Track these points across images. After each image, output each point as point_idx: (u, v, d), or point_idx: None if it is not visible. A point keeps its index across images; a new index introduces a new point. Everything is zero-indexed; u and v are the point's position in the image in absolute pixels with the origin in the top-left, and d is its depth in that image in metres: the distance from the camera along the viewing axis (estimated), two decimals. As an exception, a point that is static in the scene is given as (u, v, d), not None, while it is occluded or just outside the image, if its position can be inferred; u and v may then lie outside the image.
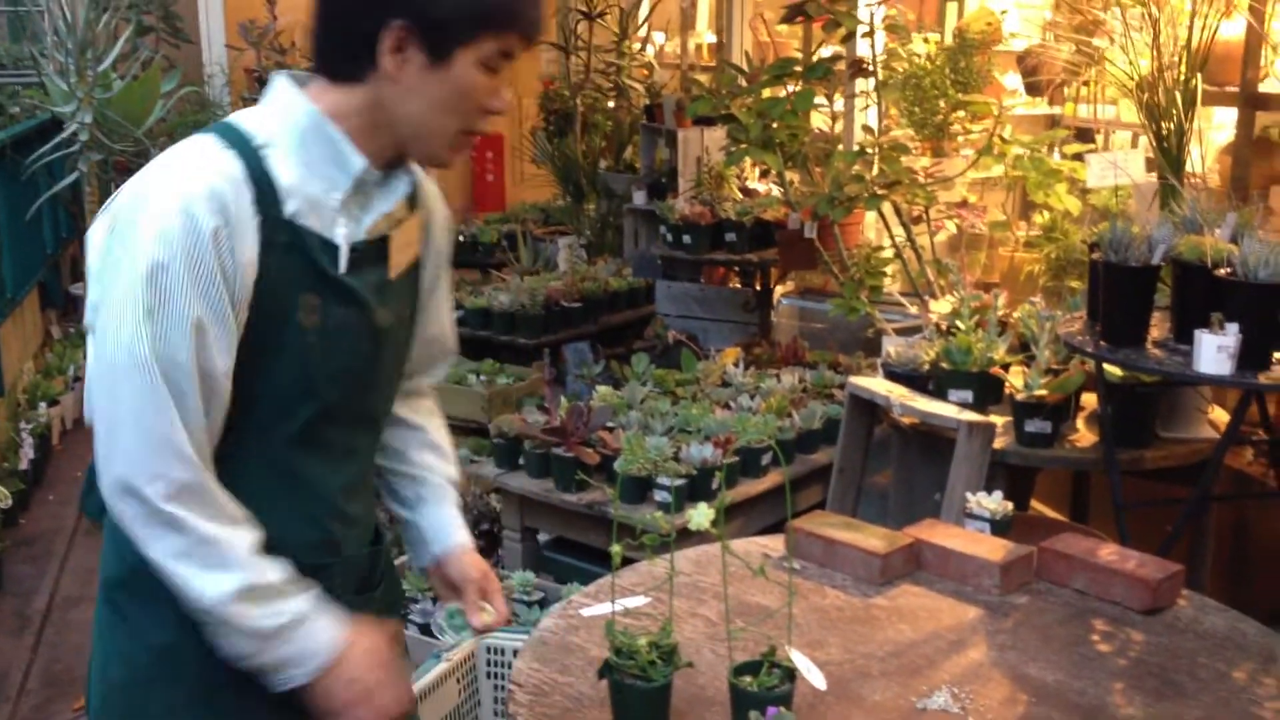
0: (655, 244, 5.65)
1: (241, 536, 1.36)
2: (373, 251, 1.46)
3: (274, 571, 1.38)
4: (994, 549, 1.97)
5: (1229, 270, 2.45)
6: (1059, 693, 1.62)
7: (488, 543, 3.74)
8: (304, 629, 1.39)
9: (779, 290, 5.54)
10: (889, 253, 4.26)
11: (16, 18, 7.72)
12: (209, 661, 1.42)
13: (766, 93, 4.03)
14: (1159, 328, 2.70)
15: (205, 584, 1.33)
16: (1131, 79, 3.60)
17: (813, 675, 1.55)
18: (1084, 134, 4.91)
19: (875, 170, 3.99)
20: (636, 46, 7.49)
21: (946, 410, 2.85)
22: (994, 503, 2.30)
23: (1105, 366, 2.76)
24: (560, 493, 3.38)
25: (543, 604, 3.18)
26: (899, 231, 4.16)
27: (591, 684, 1.60)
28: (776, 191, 5.17)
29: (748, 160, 4.73)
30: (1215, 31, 3.51)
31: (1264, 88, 3.64)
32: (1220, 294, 2.45)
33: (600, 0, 7.32)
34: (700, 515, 1.44)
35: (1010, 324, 3.31)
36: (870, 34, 4.01)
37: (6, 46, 7.45)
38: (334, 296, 1.42)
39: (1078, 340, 2.72)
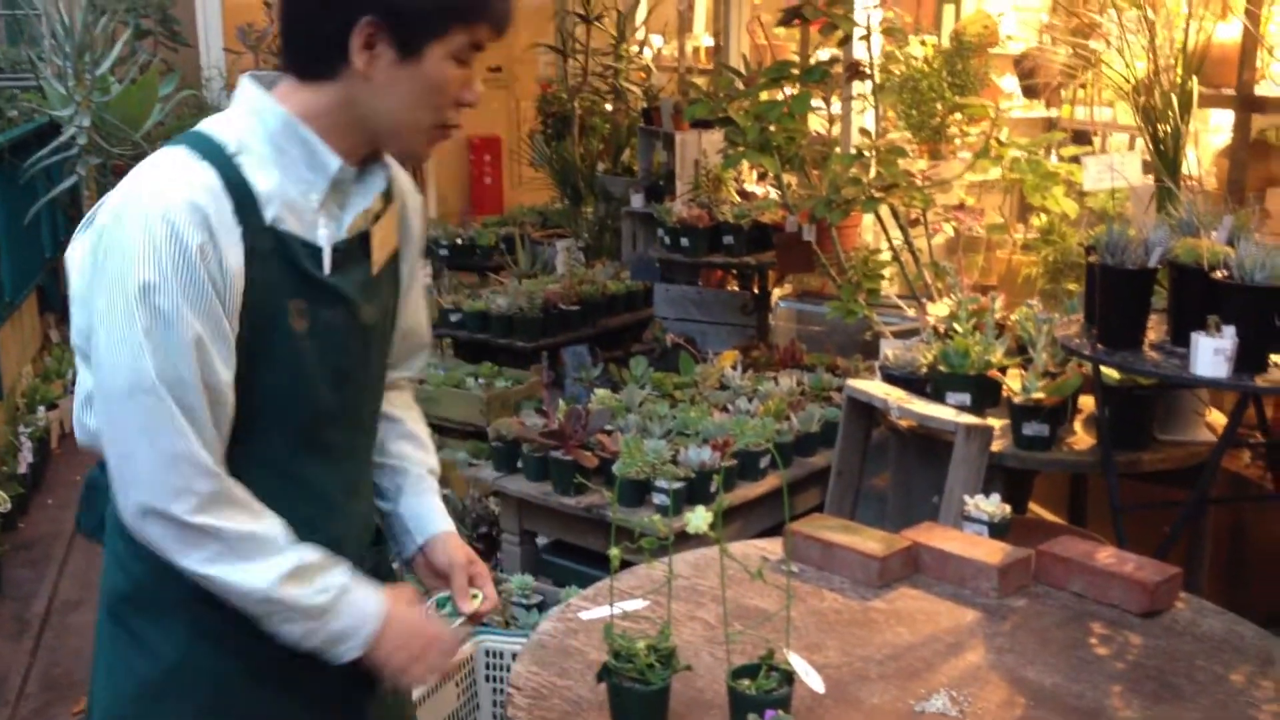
0: (653, 247, 5.65)
1: (272, 524, 1.39)
2: (355, 249, 1.46)
3: (310, 551, 1.40)
4: (992, 552, 1.97)
5: (1225, 273, 2.45)
6: (1057, 695, 1.62)
7: (486, 546, 3.74)
8: (350, 599, 1.42)
9: (777, 293, 5.54)
10: (886, 255, 4.26)
11: (14, 21, 7.72)
12: (219, 676, 1.43)
13: (764, 96, 4.03)
14: (1156, 330, 2.71)
15: (251, 575, 1.35)
16: (1128, 82, 3.61)
17: (811, 678, 1.55)
18: (1081, 136, 4.92)
19: (872, 173, 3.99)
20: (634, 49, 7.50)
21: (944, 413, 2.85)
22: (992, 505, 2.31)
23: (1102, 369, 2.77)
24: (559, 496, 3.38)
25: (541, 607, 3.18)
26: (896, 234, 4.16)
27: (590, 687, 1.60)
28: (774, 194, 5.17)
29: (745, 163, 4.73)
30: (1211, 34, 3.52)
31: (1260, 90, 3.64)
32: (1217, 297, 2.46)
33: (598, 3, 7.32)
34: (698, 518, 1.45)
35: (1008, 327, 3.31)
36: (867, 37, 4.01)
37: (4, 50, 7.45)
38: (321, 299, 1.42)
39: (1075, 343, 2.73)
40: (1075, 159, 4.33)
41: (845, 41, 4.14)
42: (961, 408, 2.97)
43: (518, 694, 1.63)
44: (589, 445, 3.41)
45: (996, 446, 2.86)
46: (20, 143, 5.56)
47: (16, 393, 5.32)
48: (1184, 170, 3.52)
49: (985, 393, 3.05)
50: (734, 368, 4.22)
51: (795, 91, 4.01)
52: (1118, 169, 3.17)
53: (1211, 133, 4.12)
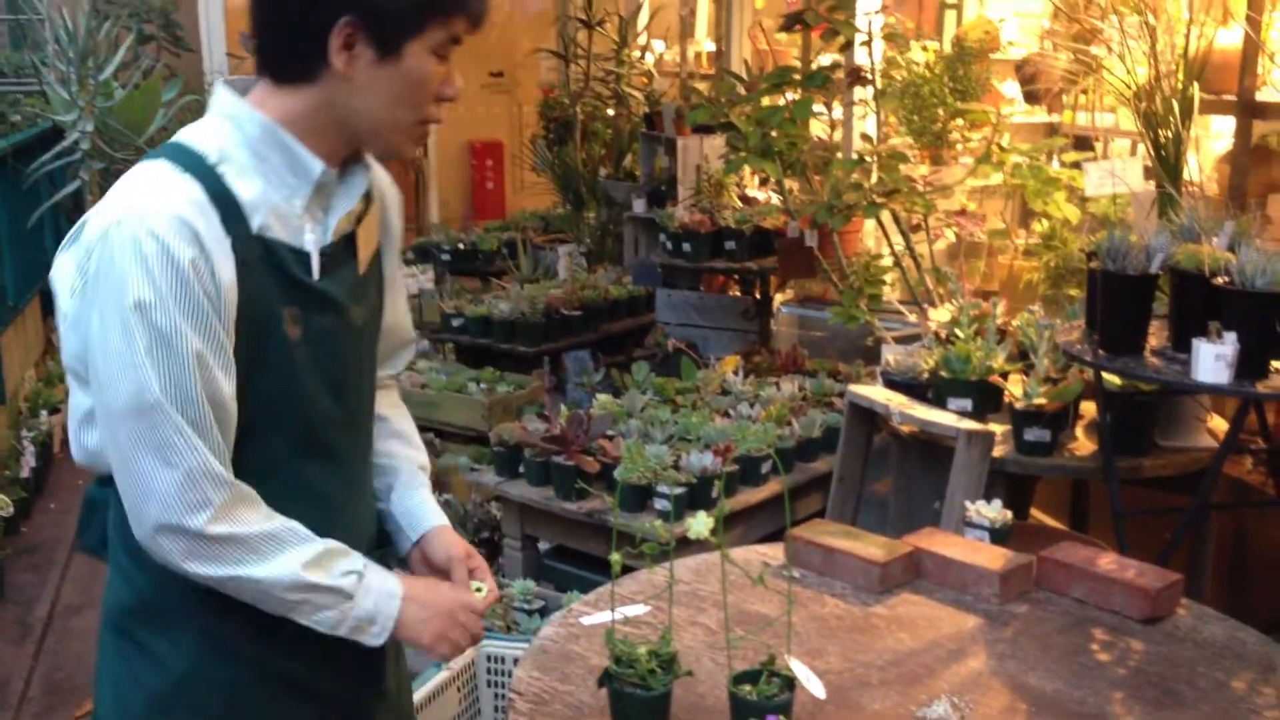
0: (655, 252, 5.66)
1: (285, 519, 1.39)
2: (341, 252, 1.46)
3: (324, 540, 1.41)
4: (993, 558, 1.97)
5: (1226, 279, 2.45)
6: (1058, 702, 1.62)
7: (488, 551, 3.74)
8: (370, 579, 1.43)
9: (779, 298, 5.55)
10: (888, 261, 4.26)
11: (18, 26, 7.74)
12: (229, 686, 1.43)
13: (766, 101, 4.04)
14: (1157, 336, 2.71)
15: (275, 569, 1.36)
16: (1129, 87, 3.61)
17: (812, 684, 1.55)
18: (1083, 142, 4.92)
19: (874, 178, 3.99)
20: (636, 54, 7.51)
21: (945, 419, 2.85)
22: (993, 511, 2.31)
23: (1104, 375, 2.77)
24: (560, 501, 3.38)
25: (543, 612, 3.18)
26: (898, 240, 4.17)
27: (592, 692, 1.61)
28: (776, 199, 5.18)
29: (747, 168, 4.74)
30: (1212, 40, 3.52)
31: (1261, 96, 3.65)
32: (1218, 303, 2.46)
33: (600, 8, 7.34)
34: (699, 524, 1.45)
35: (1009, 332, 3.31)
36: (868, 43, 4.02)
37: (8, 55, 7.46)
38: (312, 304, 1.42)
39: (1076, 349, 2.73)
40: (1076, 164, 4.33)
41: (847, 47, 4.15)
42: (963, 413, 2.97)
43: (519, 699, 1.63)
44: (591, 450, 3.41)
45: (998, 452, 2.86)
46: (23, 147, 5.57)
47: (19, 397, 5.32)
48: (1185, 176, 3.52)
49: (987, 398, 3.05)
50: (735, 373, 4.22)
51: (797, 97, 4.01)
52: (1119, 175, 3.18)
53: (1213, 138, 4.12)
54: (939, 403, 3.04)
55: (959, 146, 4.75)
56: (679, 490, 3.20)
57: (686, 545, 1.61)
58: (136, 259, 1.28)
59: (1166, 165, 3.50)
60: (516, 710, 1.60)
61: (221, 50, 7.50)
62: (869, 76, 4.08)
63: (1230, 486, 3.31)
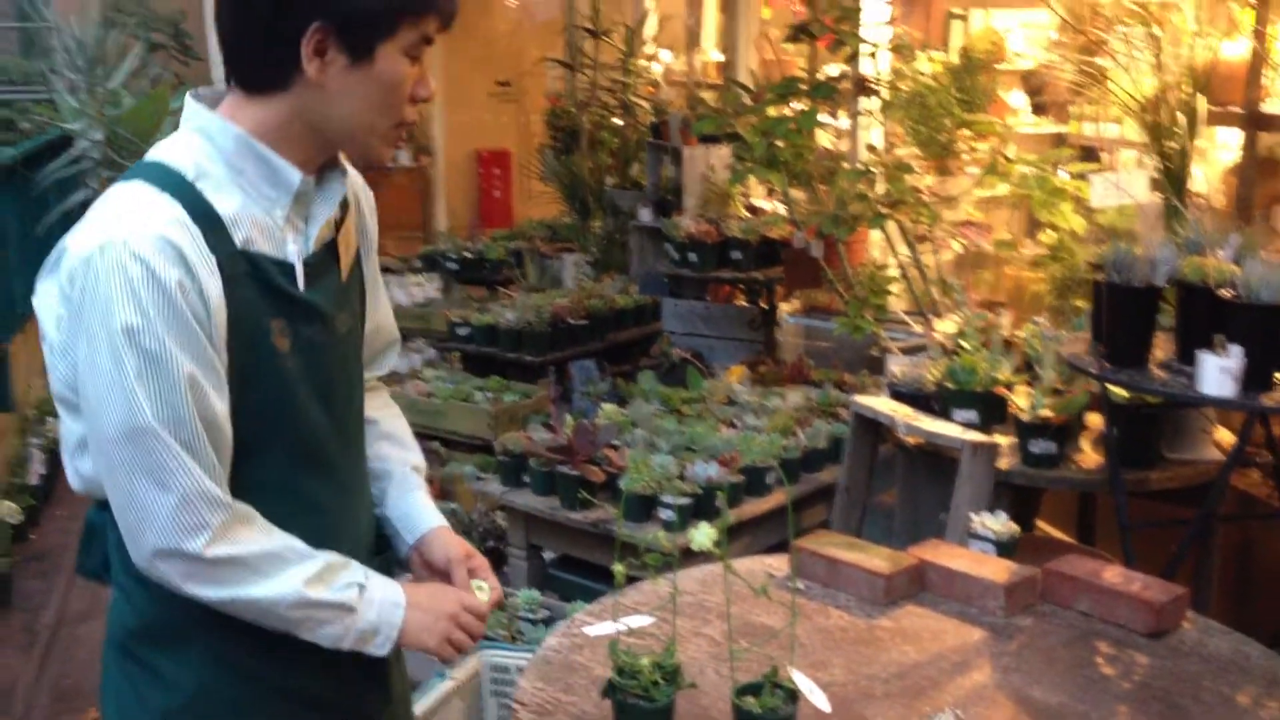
0: (661, 261, 5.67)
1: (283, 535, 1.39)
2: (324, 260, 1.46)
3: (323, 553, 1.41)
4: (998, 570, 1.97)
5: (1232, 292, 2.45)
6: (1062, 715, 1.62)
7: (493, 560, 3.74)
8: (373, 589, 1.43)
9: (784, 308, 5.55)
10: (894, 271, 4.27)
11: (27, 34, 7.78)
12: (237, 703, 1.43)
13: (771, 111, 4.05)
14: (1163, 348, 2.70)
15: (277, 588, 1.36)
16: (1134, 99, 3.61)
17: (815, 696, 1.55)
18: (1090, 153, 4.92)
19: (880, 189, 4.00)
20: (643, 64, 7.52)
21: (951, 430, 2.86)
22: (998, 523, 2.31)
23: (1110, 387, 2.76)
24: (565, 511, 3.38)
25: (548, 622, 3.18)
26: (904, 250, 4.17)
27: (595, 703, 1.60)
28: (782, 209, 5.18)
29: (753, 178, 4.74)
30: (1218, 52, 3.52)
31: (1267, 108, 3.64)
32: (1223, 315, 2.45)
33: (607, 18, 7.36)
34: (702, 536, 1.45)
35: (1015, 344, 3.31)
36: (874, 54, 4.03)
37: (18, 62, 7.50)
38: (299, 315, 1.41)
39: (1081, 361, 2.73)
40: (1083, 176, 4.33)
41: (853, 58, 4.16)
42: (968, 425, 2.97)
43: (522, 709, 1.63)
44: (596, 460, 3.42)
45: (1004, 464, 2.86)
46: (33, 155, 5.60)
47: (27, 404, 5.34)
48: (1191, 188, 3.52)
49: (992, 410, 3.05)
50: (741, 383, 4.23)
51: (804, 107, 4.02)
52: (1124, 187, 3.18)
53: (1220, 150, 4.12)
54: (944, 414, 3.04)
55: (965, 157, 4.76)
56: (684, 500, 3.20)
57: (691, 556, 1.61)
58: (122, 283, 1.27)
59: (1172, 177, 3.50)
60: (520, 721, 1.60)
61: (230, 59, 7.54)
62: (875, 87, 4.08)
63: (1236, 499, 3.31)
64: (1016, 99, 5.44)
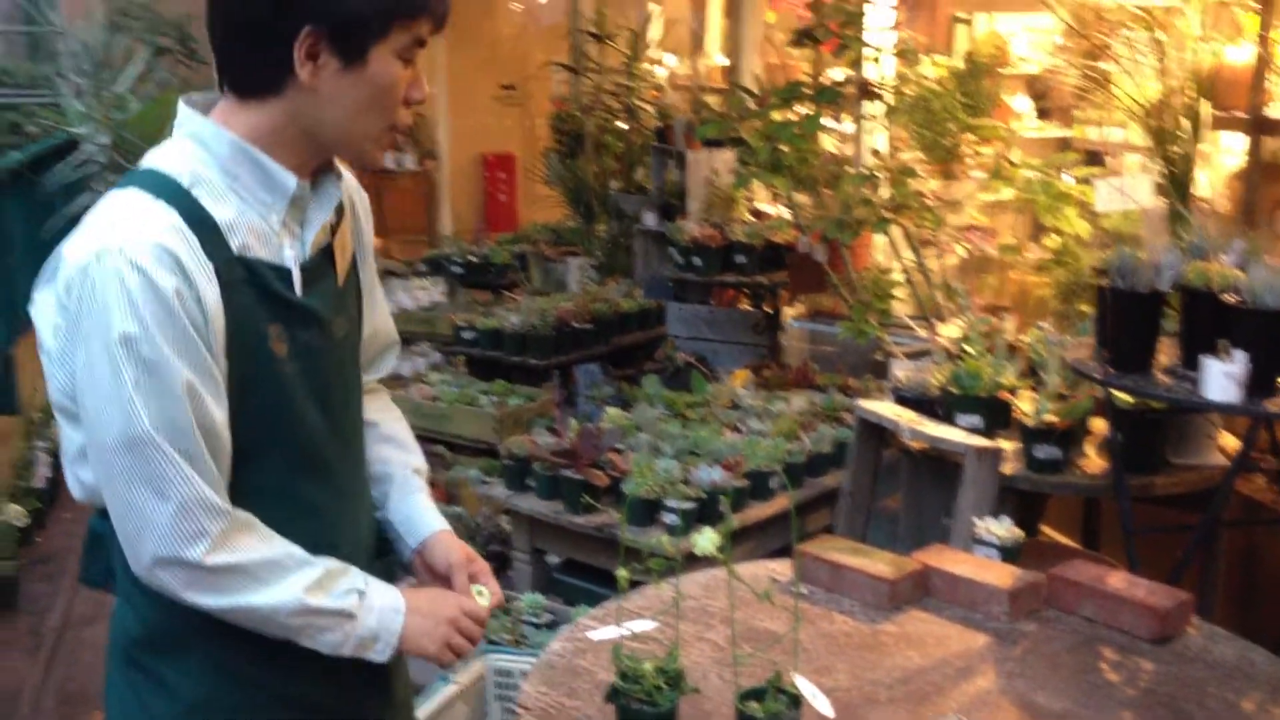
0: (665, 265, 5.67)
1: (283, 542, 1.39)
2: (320, 264, 1.46)
3: (323, 559, 1.41)
4: (1003, 575, 1.97)
5: (1236, 297, 2.45)
6: (1066, 721, 1.62)
7: (498, 564, 3.75)
8: (372, 595, 1.43)
9: (789, 312, 5.55)
10: (898, 276, 4.27)
11: (34, 38, 7.79)
12: (241, 710, 1.43)
13: (776, 116, 4.05)
14: (1167, 354, 2.70)
15: (276, 595, 1.36)
16: (1138, 104, 3.61)
17: (819, 701, 1.55)
18: (1095, 157, 4.92)
19: (884, 194, 4.00)
20: (647, 68, 7.52)
21: (955, 435, 2.86)
22: (1003, 529, 2.31)
23: (1114, 392, 2.76)
24: (569, 515, 3.38)
25: (552, 626, 3.18)
26: (908, 255, 4.17)
27: (599, 708, 1.60)
28: (786, 214, 5.19)
29: (758, 182, 4.75)
30: (1222, 56, 3.52)
31: (1271, 113, 3.64)
32: (1228, 321, 2.45)
33: (611, 22, 7.36)
34: (705, 541, 1.45)
35: (1019, 348, 3.31)
36: (878, 58, 4.03)
37: (24, 66, 7.52)
38: (296, 320, 1.41)
39: (1086, 366, 2.73)
40: (1087, 180, 4.33)
41: (857, 62, 4.16)
42: (973, 429, 2.97)
43: (526, 714, 1.63)
44: (600, 464, 3.42)
45: (1008, 469, 2.86)
46: (40, 159, 5.61)
47: (33, 407, 5.35)
48: (1196, 192, 3.52)
49: (996, 415, 3.05)
50: (746, 387, 4.23)
51: (808, 110, 4.02)
52: (1128, 191, 3.18)
53: (1224, 154, 4.12)
54: (949, 419, 3.04)
55: (970, 161, 4.75)
56: (688, 505, 3.20)
57: (695, 560, 1.61)
58: (120, 292, 1.26)
59: (1176, 182, 3.50)
60: (524, 725, 1.60)
61: (236, 63, 7.55)
62: (879, 92, 4.08)
63: (1242, 504, 3.30)
64: (1021, 103, 5.44)
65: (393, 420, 1.71)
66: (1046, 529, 3.76)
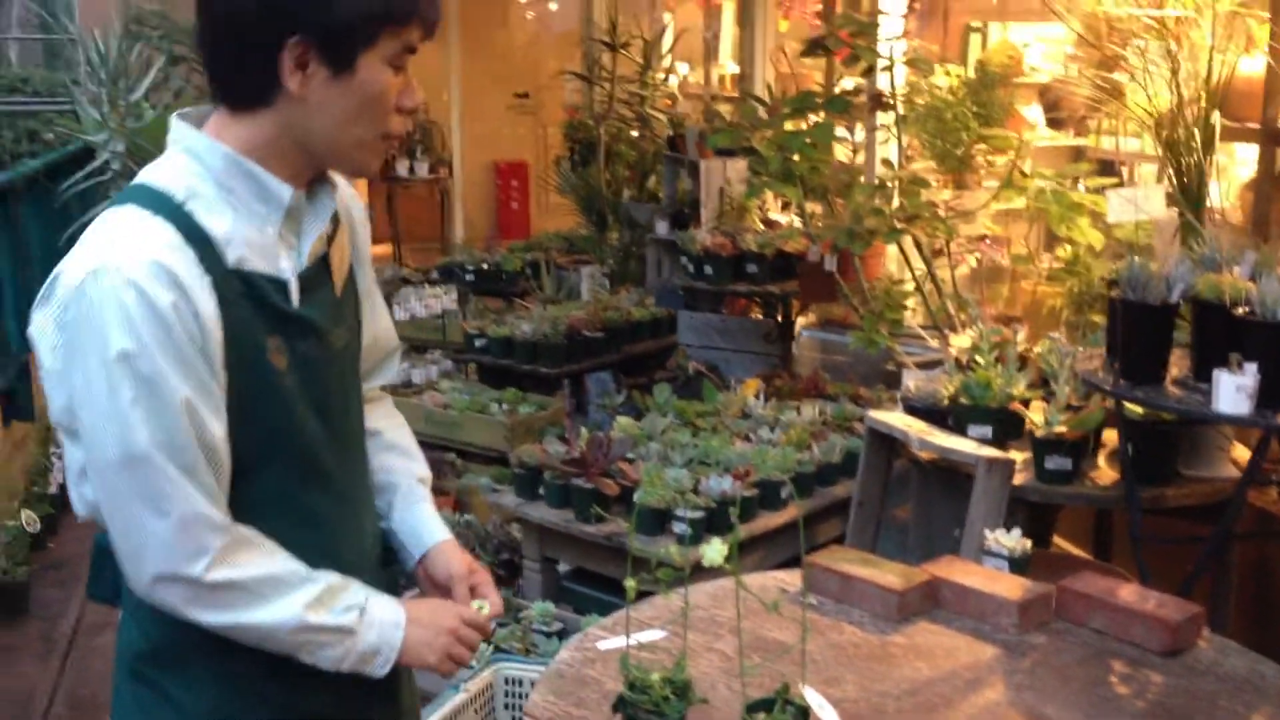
0: (677, 274, 5.68)
1: (284, 557, 1.39)
2: (317, 275, 1.45)
3: (324, 574, 1.41)
4: (1012, 587, 1.96)
5: (1247, 309, 2.44)
6: (1075, 734, 1.62)
7: (508, 572, 3.75)
8: (372, 610, 1.43)
9: (800, 322, 5.55)
10: (910, 286, 4.26)
11: (51, 45, 7.85)
12: None
13: (788, 125, 4.05)
14: (1178, 365, 2.69)
15: (276, 613, 1.36)
16: (1151, 115, 3.61)
17: (826, 713, 1.55)
18: (1108, 166, 4.91)
19: (895, 204, 4.00)
20: (660, 77, 7.54)
21: (965, 446, 2.85)
22: (1012, 540, 2.30)
23: (1125, 404, 2.76)
24: (579, 524, 3.39)
25: (562, 635, 3.18)
26: (920, 264, 4.17)
27: (606, 718, 1.61)
28: (798, 223, 5.19)
29: (769, 192, 4.75)
30: (1235, 67, 3.52)
31: (1285, 125, 3.63)
32: (1239, 333, 2.45)
33: (624, 31, 7.39)
34: (713, 551, 1.45)
35: (1030, 359, 3.31)
36: (890, 68, 4.03)
37: (42, 73, 7.57)
38: (294, 332, 1.41)
39: (1096, 378, 2.72)
40: (1100, 190, 4.32)
41: (869, 72, 4.16)
42: (983, 440, 2.96)
43: (535, 724, 1.63)
44: (610, 473, 3.42)
45: (1019, 480, 2.85)
46: (56, 167, 5.64)
47: (48, 414, 5.38)
48: (1208, 203, 3.51)
49: (1007, 425, 3.04)
50: (757, 396, 4.23)
51: (819, 119, 4.02)
52: (1141, 203, 3.17)
53: (1239, 165, 4.10)
54: (959, 429, 3.03)
55: (982, 171, 4.75)
56: (697, 514, 3.20)
57: (704, 570, 1.61)
58: (116, 309, 1.26)
59: (1189, 193, 3.49)
60: (532, 735, 1.61)
61: (250, 72, 7.58)
62: (891, 102, 4.09)
63: (1255, 517, 3.29)
64: (1034, 112, 5.43)
65: (396, 428, 1.71)
66: (1059, 540, 3.75)
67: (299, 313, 1.41)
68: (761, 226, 5.65)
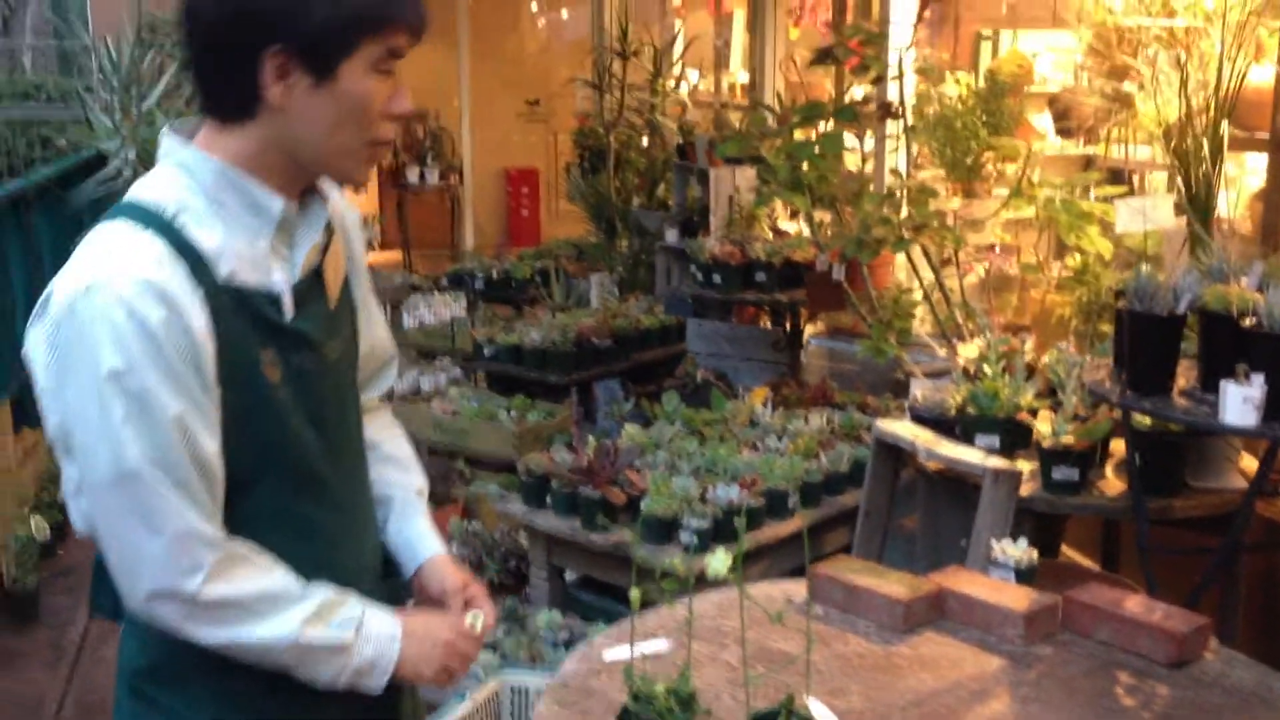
0: (686, 282, 5.68)
1: (281, 573, 1.39)
2: (311, 287, 1.45)
3: (321, 590, 1.41)
4: (1018, 598, 1.96)
5: (1255, 320, 2.44)
6: (1079, 746, 1.61)
7: (515, 580, 3.76)
8: (369, 624, 1.43)
9: (809, 330, 5.55)
10: (918, 295, 4.26)
11: (64, 52, 7.89)
12: None
13: (798, 134, 4.06)
14: (1186, 376, 2.69)
15: (272, 630, 1.36)
16: (1159, 124, 3.60)
17: (830, 724, 1.55)
18: (1119, 175, 4.90)
19: (903, 213, 4.00)
20: (670, 84, 7.56)
21: (972, 456, 2.85)
22: (1019, 550, 2.30)
23: (1132, 414, 2.75)
24: (586, 532, 3.39)
25: (568, 644, 3.18)
26: (928, 273, 4.16)
27: (611, 729, 1.61)
28: (806, 232, 5.19)
29: (778, 200, 4.76)
30: (1244, 77, 3.51)
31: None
32: (1246, 344, 2.44)
33: (635, 39, 7.40)
34: (717, 562, 1.45)
35: (1038, 369, 3.30)
36: (899, 77, 4.03)
37: (55, 80, 7.60)
38: (288, 344, 1.41)
39: (1103, 389, 2.72)
40: (1109, 199, 4.31)
41: (879, 80, 4.16)
42: (990, 450, 2.96)
43: (539, 734, 1.64)
44: (618, 482, 3.42)
45: (1026, 490, 2.85)
46: (68, 174, 5.67)
47: (44, 431, 5.39)
48: (1217, 213, 3.50)
49: (1014, 435, 3.04)
50: (765, 405, 4.22)
51: (828, 128, 4.03)
52: (1149, 212, 3.17)
53: (1248, 174, 4.10)
54: (966, 439, 3.03)
55: (992, 180, 4.75)
56: (704, 523, 3.20)
57: (710, 579, 1.61)
58: (106, 327, 1.26)
59: (1197, 203, 3.48)
60: (536, 745, 1.61)
61: (262, 79, 7.61)
62: (899, 111, 4.09)
63: (1263, 528, 3.28)
64: (1044, 121, 5.42)
65: (393, 439, 1.70)
66: (1067, 550, 3.74)
67: (292, 325, 1.41)
68: (770, 235, 5.66)
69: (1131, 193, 4.30)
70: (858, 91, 5.48)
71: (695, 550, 3.14)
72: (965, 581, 2.03)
